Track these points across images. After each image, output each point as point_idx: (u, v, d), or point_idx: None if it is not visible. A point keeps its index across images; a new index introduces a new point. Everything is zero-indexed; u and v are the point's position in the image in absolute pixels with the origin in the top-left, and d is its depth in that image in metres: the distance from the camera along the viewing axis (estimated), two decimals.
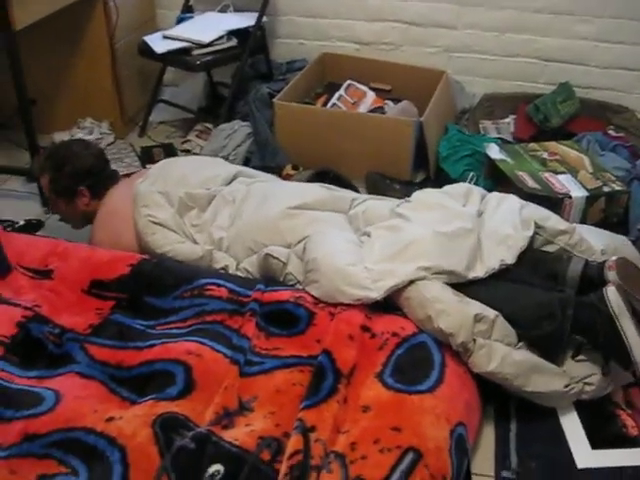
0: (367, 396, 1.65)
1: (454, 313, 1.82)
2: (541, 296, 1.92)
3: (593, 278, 1.95)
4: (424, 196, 2.27)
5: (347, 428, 1.59)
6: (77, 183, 2.39)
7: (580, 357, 1.89)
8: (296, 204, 2.24)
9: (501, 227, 2.11)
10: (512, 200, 2.24)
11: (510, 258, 2.02)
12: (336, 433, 1.58)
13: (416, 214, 2.14)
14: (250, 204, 2.29)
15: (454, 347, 1.80)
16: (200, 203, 2.35)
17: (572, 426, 1.86)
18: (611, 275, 1.88)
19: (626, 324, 1.79)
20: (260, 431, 1.58)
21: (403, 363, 1.73)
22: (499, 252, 2.03)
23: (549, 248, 2.12)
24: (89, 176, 2.40)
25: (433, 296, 1.86)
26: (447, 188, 2.33)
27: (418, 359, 1.74)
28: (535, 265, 2.04)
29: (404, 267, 1.92)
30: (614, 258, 1.92)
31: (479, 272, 1.99)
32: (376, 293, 1.89)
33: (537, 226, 2.12)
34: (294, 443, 1.53)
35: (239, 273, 2.16)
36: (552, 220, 2.15)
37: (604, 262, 1.93)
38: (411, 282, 1.90)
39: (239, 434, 1.57)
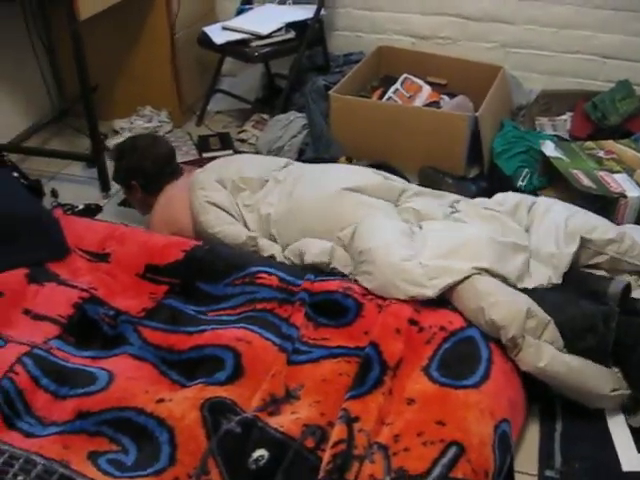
0: (412, 389, 1.66)
1: (507, 306, 1.82)
2: (586, 308, 1.90)
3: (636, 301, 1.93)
4: (473, 208, 2.27)
5: (391, 420, 1.60)
6: (129, 178, 2.51)
7: None
8: (350, 185, 2.25)
9: (545, 244, 2.10)
10: (558, 210, 2.22)
11: (556, 278, 2.02)
12: (380, 424, 1.60)
13: (471, 220, 2.16)
14: (302, 183, 2.32)
15: (504, 341, 1.79)
16: (252, 185, 2.40)
17: (619, 429, 1.84)
18: None
19: None
20: (305, 419, 1.61)
21: (450, 357, 1.73)
22: (546, 270, 2.04)
23: (599, 259, 2.11)
24: (142, 174, 2.49)
25: (486, 288, 1.87)
26: (495, 200, 2.32)
27: (465, 354, 1.74)
28: (579, 283, 2.03)
29: (460, 265, 1.92)
30: None
31: (527, 285, 1.99)
32: (431, 291, 1.89)
33: (584, 239, 2.09)
34: (338, 432, 1.55)
35: (285, 261, 2.18)
36: (599, 230, 2.12)
37: None
38: (465, 278, 1.91)
39: (284, 421, 1.60)
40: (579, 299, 1.95)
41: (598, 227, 2.14)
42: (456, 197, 2.37)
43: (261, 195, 2.36)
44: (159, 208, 2.42)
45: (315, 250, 2.12)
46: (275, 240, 2.26)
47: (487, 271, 1.92)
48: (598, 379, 1.82)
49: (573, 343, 1.84)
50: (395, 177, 2.46)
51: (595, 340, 1.84)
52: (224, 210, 2.30)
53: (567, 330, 1.85)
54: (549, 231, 2.14)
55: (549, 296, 1.95)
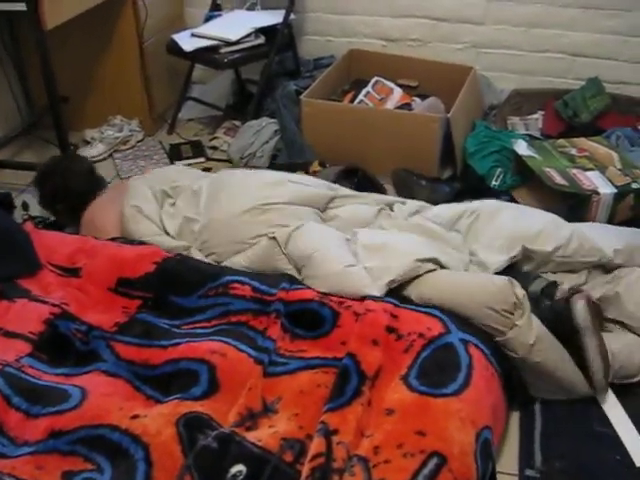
0: (392, 399, 1.64)
1: (489, 283, 1.88)
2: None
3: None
4: (399, 220, 2.33)
5: (371, 432, 1.58)
6: (55, 202, 2.57)
7: None
8: (266, 201, 2.25)
9: (484, 252, 2.15)
10: (502, 217, 2.26)
11: None
12: (359, 436, 1.58)
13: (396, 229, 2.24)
14: (217, 199, 2.33)
15: (493, 322, 1.82)
16: (179, 194, 2.44)
17: (624, 426, 1.85)
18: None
19: (589, 338, 1.85)
20: (283, 433, 1.59)
21: (429, 365, 1.71)
22: None
23: (547, 268, 2.18)
24: (67, 196, 2.53)
25: (455, 278, 1.94)
26: (433, 213, 2.36)
27: (444, 361, 1.72)
28: None
29: (400, 262, 1.96)
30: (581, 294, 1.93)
31: None
32: (377, 291, 1.92)
33: (526, 249, 2.15)
34: (317, 446, 1.53)
35: None
36: (539, 241, 2.16)
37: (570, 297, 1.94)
38: (417, 277, 1.95)
39: (262, 435, 1.58)
40: None
41: (539, 237, 2.17)
42: (385, 204, 2.42)
43: (183, 204, 2.39)
44: (86, 219, 2.44)
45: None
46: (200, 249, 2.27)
47: (430, 261, 1.98)
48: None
49: None
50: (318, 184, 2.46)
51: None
52: (152, 222, 2.32)
53: None
54: (490, 240, 2.19)
55: None
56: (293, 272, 2.08)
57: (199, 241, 2.26)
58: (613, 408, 1.89)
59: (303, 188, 2.36)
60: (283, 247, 2.11)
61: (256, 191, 2.31)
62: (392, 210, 2.40)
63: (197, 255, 2.22)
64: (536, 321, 1.85)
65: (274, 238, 2.13)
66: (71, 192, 2.53)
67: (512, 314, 1.82)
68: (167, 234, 2.32)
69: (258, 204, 2.24)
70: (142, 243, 2.22)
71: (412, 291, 1.95)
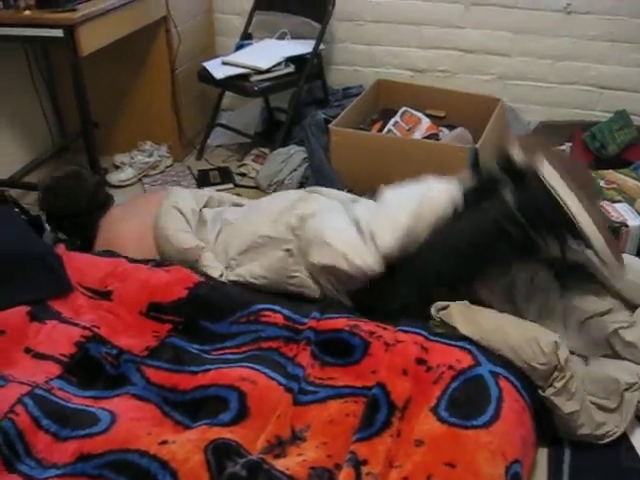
0: (421, 430, 1.63)
1: (532, 343, 1.85)
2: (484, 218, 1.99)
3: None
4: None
5: (400, 462, 1.58)
6: (62, 220, 2.57)
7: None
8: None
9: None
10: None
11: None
12: (388, 467, 1.57)
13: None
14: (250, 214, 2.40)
15: (533, 376, 1.81)
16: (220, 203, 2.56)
17: None
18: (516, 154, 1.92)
19: (566, 196, 1.83)
20: (312, 461, 1.58)
21: (458, 397, 1.70)
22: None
23: None
24: (72, 215, 2.54)
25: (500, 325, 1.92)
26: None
27: (474, 393, 1.71)
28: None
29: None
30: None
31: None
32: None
33: None
34: (345, 476, 1.52)
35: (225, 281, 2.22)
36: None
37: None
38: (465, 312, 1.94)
39: (291, 463, 1.57)
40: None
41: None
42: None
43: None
44: (101, 235, 2.47)
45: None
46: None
47: None
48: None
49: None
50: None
51: (518, 235, 1.92)
52: (184, 216, 2.35)
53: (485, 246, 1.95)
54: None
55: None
56: (305, 279, 2.13)
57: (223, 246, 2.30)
58: None
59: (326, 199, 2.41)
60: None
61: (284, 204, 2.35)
62: None
63: (210, 259, 2.26)
64: (579, 396, 1.83)
65: (288, 250, 2.15)
66: (75, 212, 2.52)
67: (551, 374, 1.81)
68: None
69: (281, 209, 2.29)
70: (171, 264, 2.23)
71: (457, 325, 1.93)
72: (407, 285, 2.05)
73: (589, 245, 1.85)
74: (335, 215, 2.21)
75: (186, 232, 2.32)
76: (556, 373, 1.80)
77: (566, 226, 1.87)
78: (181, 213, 2.36)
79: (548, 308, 2.09)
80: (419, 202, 2.06)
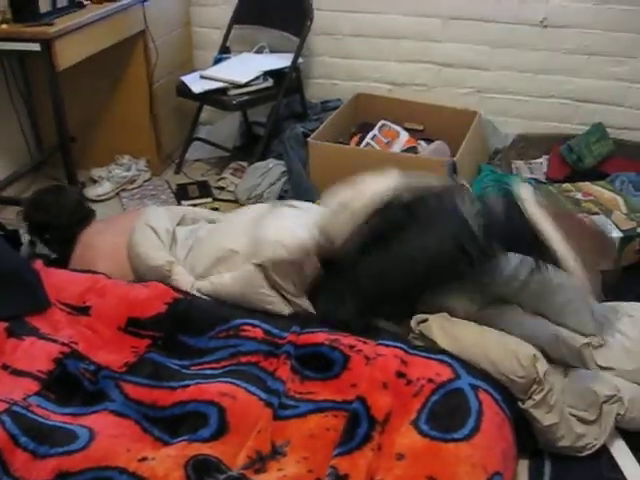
0: (402, 444, 1.63)
1: (510, 356, 1.86)
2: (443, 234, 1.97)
3: None
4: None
5: (381, 476, 1.57)
6: (43, 233, 2.58)
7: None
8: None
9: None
10: None
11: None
12: None
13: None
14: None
15: (513, 389, 1.82)
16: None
17: (633, 472, 1.84)
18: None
19: (540, 221, 1.82)
20: (292, 476, 1.58)
21: (439, 410, 1.70)
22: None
23: None
24: (53, 228, 2.55)
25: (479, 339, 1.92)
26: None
27: (454, 406, 1.71)
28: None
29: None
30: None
31: None
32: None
33: None
34: None
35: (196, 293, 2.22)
36: None
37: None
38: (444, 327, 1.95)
39: (271, 478, 1.57)
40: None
41: None
42: None
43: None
44: (77, 252, 2.46)
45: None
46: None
47: None
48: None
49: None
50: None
51: (475, 250, 1.90)
52: (156, 234, 2.35)
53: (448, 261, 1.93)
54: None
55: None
56: (275, 299, 2.12)
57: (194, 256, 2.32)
58: (623, 454, 1.88)
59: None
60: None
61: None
62: None
63: (181, 271, 2.25)
64: (559, 408, 1.84)
65: (260, 265, 2.14)
66: (56, 225, 2.54)
67: (530, 387, 1.82)
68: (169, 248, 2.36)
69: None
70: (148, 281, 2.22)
71: (436, 340, 1.93)
72: (350, 299, 2.06)
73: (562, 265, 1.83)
74: (286, 220, 2.25)
75: (158, 250, 2.31)
76: (535, 386, 1.81)
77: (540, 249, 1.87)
78: (154, 232, 2.36)
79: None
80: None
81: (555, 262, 1.83)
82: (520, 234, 1.88)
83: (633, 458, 1.87)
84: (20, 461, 1.63)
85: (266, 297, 2.12)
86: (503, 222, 1.93)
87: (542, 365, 1.84)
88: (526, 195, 1.86)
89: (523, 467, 1.86)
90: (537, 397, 1.81)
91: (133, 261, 2.32)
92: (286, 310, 2.12)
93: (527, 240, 1.86)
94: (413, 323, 2.00)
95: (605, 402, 1.88)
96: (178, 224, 2.51)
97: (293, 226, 2.17)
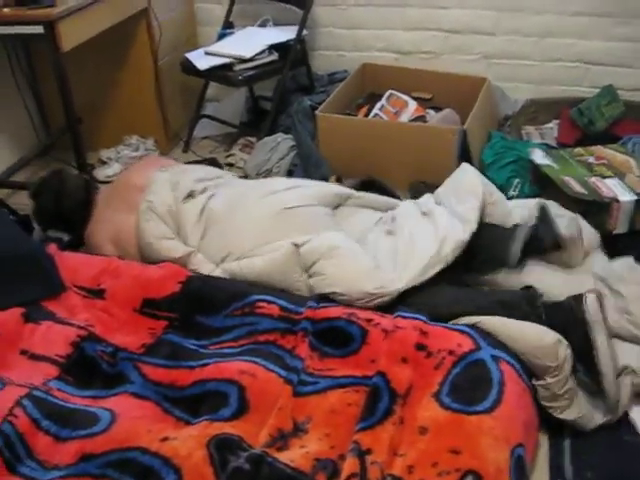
0: (424, 417, 1.63)
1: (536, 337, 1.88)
2: (501, 294, 2.02)
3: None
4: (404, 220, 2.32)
5: (404, 451, 1.58)
6: (52, 220, 2.59)
7: None
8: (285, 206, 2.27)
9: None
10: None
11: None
12: (393, 456, 1.57)
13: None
14: (238, 204, 2.35)
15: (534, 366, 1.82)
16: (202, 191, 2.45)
17: None
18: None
19: (599, 333, 1.81)
20: (315, 453, 1.58)
21: (460, 382, 1.69)
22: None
23: None
24: (61, 215, 2.55)
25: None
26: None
27: (476, 378, 1.70)
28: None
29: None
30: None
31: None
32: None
33: None
34: (350, 466, 1.52)
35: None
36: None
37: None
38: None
39: (294, 456, 1.57)
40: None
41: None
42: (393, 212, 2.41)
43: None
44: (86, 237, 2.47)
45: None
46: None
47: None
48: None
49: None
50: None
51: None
52: (164, 222, 2.32)
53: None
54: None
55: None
56: (302, 286, 2.11)
57: (212, 242, 2.27)
58: None
59: (318, 188, 2.42)
60: (303, 260, 2.13)
61: (273, 197, 2.33)
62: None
63: (200, 260, 2.23)
64: (570, 394, 1.84)
65: (297, 245, 2.13)
66: (64, 212, 2.54)
67: (547, 370, 1.82)
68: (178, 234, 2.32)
69: (278, 209, 2.26)
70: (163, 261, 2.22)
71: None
72: None
73: (600, 377, 1.83)
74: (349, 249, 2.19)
75: (169, 239, 2.29)
76: (553, 371, 1.81)
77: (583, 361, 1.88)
78: (159, 217, 2.32)
79: None
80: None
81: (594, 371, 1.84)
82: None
83: None
84: (42, 445, 1.65)
85: (295, 282, 2.11)
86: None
87: (564, 350, 1.83)
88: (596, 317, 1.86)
89: (543, 436, 1.85)
90: (551, 380, 1.80)
91: (144, 250, 2.30)
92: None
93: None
94: None
95: (618, 375, 1.87)
96: (189, 195, 2.44)
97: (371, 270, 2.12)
